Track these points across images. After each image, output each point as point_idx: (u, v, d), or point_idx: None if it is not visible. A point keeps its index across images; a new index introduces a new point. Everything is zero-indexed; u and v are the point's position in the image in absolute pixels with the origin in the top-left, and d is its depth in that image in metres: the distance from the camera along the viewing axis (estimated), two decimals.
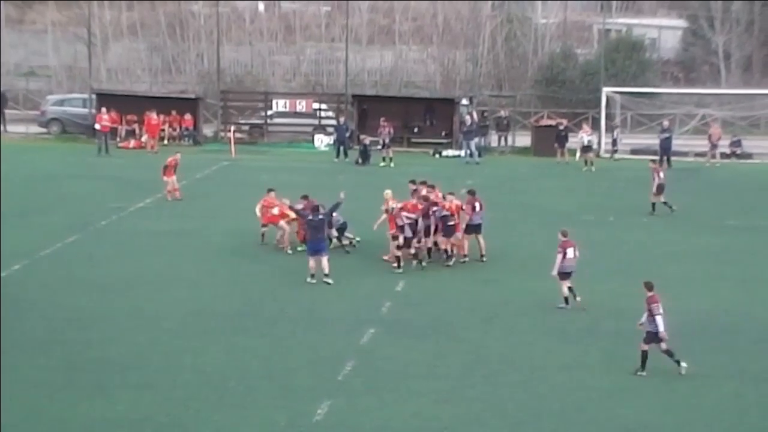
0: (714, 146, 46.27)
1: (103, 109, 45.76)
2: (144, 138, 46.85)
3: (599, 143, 48.00)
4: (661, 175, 34.32)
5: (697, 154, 47.20)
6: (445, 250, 27.16)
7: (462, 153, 46.00)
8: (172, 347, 20.86)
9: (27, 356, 20.14)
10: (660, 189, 34.17)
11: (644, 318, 19.91)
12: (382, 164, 43.58)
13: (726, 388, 19.29)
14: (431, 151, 47.56)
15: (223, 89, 52.27)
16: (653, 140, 46.17)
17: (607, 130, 47.86)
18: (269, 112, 50.29)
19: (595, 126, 49.42)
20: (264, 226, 28.46)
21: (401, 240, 26.38)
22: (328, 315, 23.12)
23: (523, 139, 48.94)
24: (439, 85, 58.85)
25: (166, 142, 47.77)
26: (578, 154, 44.33)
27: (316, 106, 50.16)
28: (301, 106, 49.86)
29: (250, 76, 59.35)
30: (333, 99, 51.26)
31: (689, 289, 25.88)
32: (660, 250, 29.91)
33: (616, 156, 46.76)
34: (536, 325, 22.76)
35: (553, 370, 19.99)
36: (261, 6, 62.92)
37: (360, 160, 43.98)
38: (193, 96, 51.63)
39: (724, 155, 46.83)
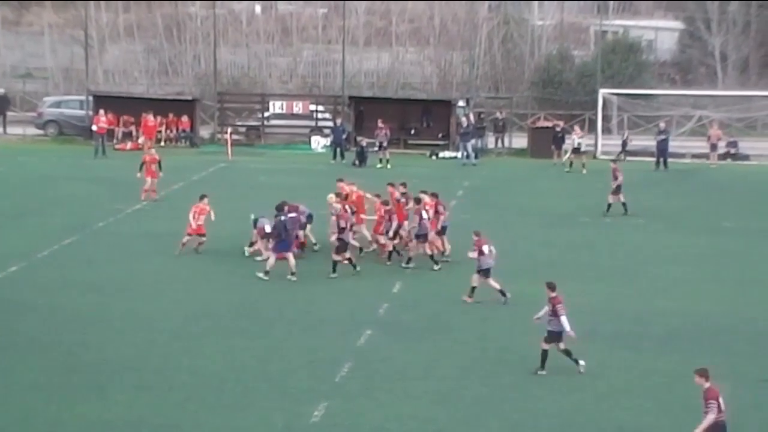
0: (714, 147, 46.32)
1: (101, 111, 45.75)
2: (141, 140, 46.83)
3: (596, 145, 48.06)
4: (619, 176, 34.13)
5: (695, 156, 47.26)
6: (431, 256, 27.24)
7: (459, 154, 46.01)
8: (169, 349, 20.86)
9: (24, 357, 20.14)
10: (618, 189, 34.05)
11: (542, 312, 19.97)
12: (378, 166, 43.59)
13: (723, 389, 19.26)
14: (428, 153, 47.59)
15: (219, 91, 52.27)
16: (650, 142, 46.23)
17: (617, 132, 47.99)
18: (266, 114, 50.30)
19: (592, 128, 49.52)
20: (189, 235, 27.95)
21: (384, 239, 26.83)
22: (325, 316, 23.13)
23: (520, 141, 48.97)
24: (435, 87, 58.87)
25: (162, 143, 47.75)
26: (566, 155, 44.26)
27: (312, 107, 50.16)
28: (298, 107, 49.86)
29: (247, 78, 59.34)
30: (330, 101, 51.27)
31: (686, 290, 25.91)
32: (657, 251, 29.94)
33: (622, 158, 46.68)
34: (533, 326, 22.70)
35: (550, 372, 19.99)
36: (258, 8, 62.91)
37: (357, 162, 43.98)
38: (190, 98, 51.62)
39: (720, 157, 46.89)
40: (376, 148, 44.55)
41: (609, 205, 34.22)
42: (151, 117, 46.79)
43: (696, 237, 31.79)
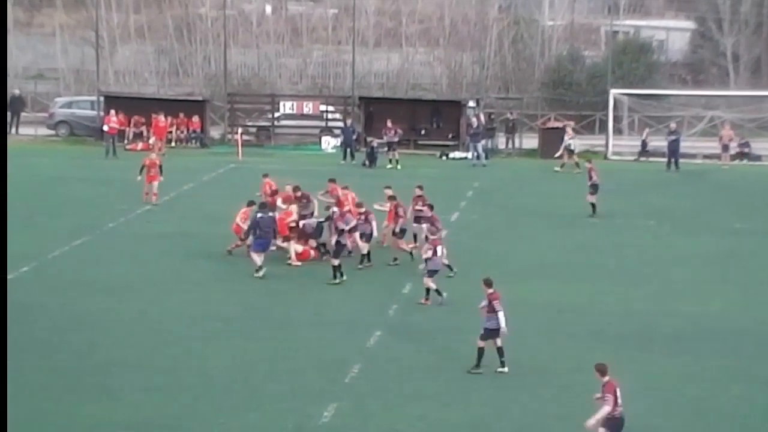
0: (726, 148, 46.20)
1: (112, 111, 45.82)
2: (152, 140, 46.87)
3: (606, 146, 47.98)
4: (593, 175, 33.95)
5: (706, 156, 47.14)
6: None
7: (469, 155, 45.96)
8: (178, 350, 20.89)
9: (34, 358, 20.20)
10: (595, 189, 33.92)
11: (482, 304, 19.84)
12: (389, 166, 43.58)
13: (733, 391, 19.26)
14: (438, 153, 47.55)
15: (230, 92, 52.29)
16: (661, 142, 46.13)
17: (627, 132, 47.93)
18: (276, 115, 50.32)
19: (602, 129, 49.42)
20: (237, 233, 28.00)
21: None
22: (334, 317, 23.13)
23: (530, 142, 48.90)
24: (445, 88, 58.81)
25: (173, 144, 47.83)
26: (561, 154, 44.18)
27: (322, 108, 50.16)
28: (308, 108, 49.88)
29: (257, 79, 59.38)
30: (340, 101, 51.27)
31: (696, 292, 25.86)
32: (667, 252, 29.87)
33: (642, 159, 46.56)
34: (542, 328, 22.74)
35: (559, 373, 19.97)
36: (268, 9, 62.96)
37: (367, 163, 43.98)
38: (200, 98, 51.67)
39: (732, 157, 46.75)
40: (385, 149, 44.54)
41: (592, 206, 33.96)
42: (161, 118, 46.86)
43: (707, 238, 31.71)
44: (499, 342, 19.63)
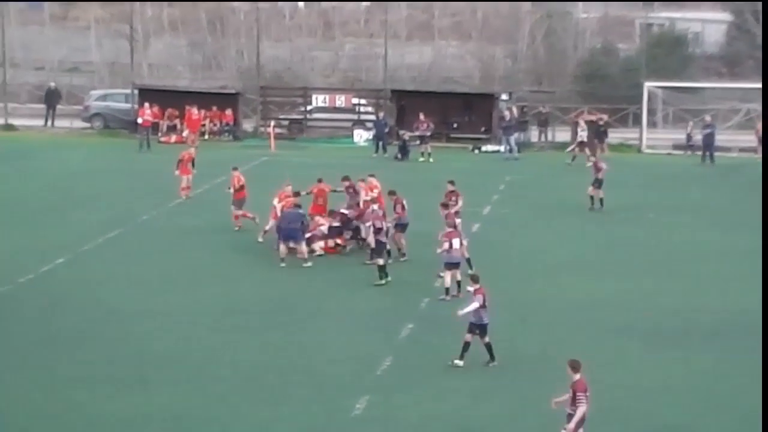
0: (761, 141, 45.79)
1: (146, 104, 46.09)
2: (185, 133, 47.12)
3: (640, 139, 47.70)
4: (603, 168, 33.69)
5: (742, 150, 46.75)
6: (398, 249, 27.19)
7: (501, 148, 45.85)
8: (210, 342, 21.00)
9: (67, 350, 20.37)
10: (598, 183, 33.61)
11: (471, 308, 19.58)
12: (421, 160, 43.55)
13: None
14: (470, 147, 47.45)
15: (262, 85, 52.41)
16: (696, 136, 45.77)
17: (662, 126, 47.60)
18: (308, 108, 50.40)
19: (636, 122, 49.12)
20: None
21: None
22: (365, 310, 23.16)
23: (563, 135, 48.69)
24: (478, 81, 58.62)
25: (206, 137, 48.01)
26: (570, 147, 43.93)
27: (355, 101, 50.19)
28: (340, 101, 49.93)
29: (290, 72, 59.46)
30: (372, 94, 51.27)
31: (729, 287, 25.68)
32: (701, 247, 29.68)
33: (688, 153, 46.17)
34: (573, 322, 22.67)
35: (590, 368, 19.83)
36: (300, 2, 63.03)
37: (399, 156, 43.98)
38: (233, 91, 51.86)
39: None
40: (417, 142, 44.53)
41: (591, 198, 33.65)
42: (195, 110, 47.06)
43: (741, 233, 31.42)
44: (482, 338, 19.52)
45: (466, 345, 19.51)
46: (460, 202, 28.49)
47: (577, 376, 15.68)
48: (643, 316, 23.16)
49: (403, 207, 27.43)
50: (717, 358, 20.58)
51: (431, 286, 24.95)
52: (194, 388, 18.59)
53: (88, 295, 23.92)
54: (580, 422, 15.46)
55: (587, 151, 42.01)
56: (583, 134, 43.97)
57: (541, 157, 45.87)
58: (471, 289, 19.78)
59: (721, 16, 65.02)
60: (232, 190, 30.24)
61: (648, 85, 48.19)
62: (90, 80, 58.28)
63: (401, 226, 27.29)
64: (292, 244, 26.74)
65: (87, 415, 17.45)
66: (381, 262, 24.99)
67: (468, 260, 25.30)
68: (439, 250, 24.13)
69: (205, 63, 60.28)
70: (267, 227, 28.28)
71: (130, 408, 17.68)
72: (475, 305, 19.35)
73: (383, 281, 24.86)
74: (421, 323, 22.25)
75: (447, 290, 23.68)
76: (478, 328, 19.45)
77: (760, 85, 54.30)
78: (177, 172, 34.36)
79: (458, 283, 23.89)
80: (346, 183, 29.42)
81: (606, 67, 55.24)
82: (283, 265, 26.28)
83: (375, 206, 26.58)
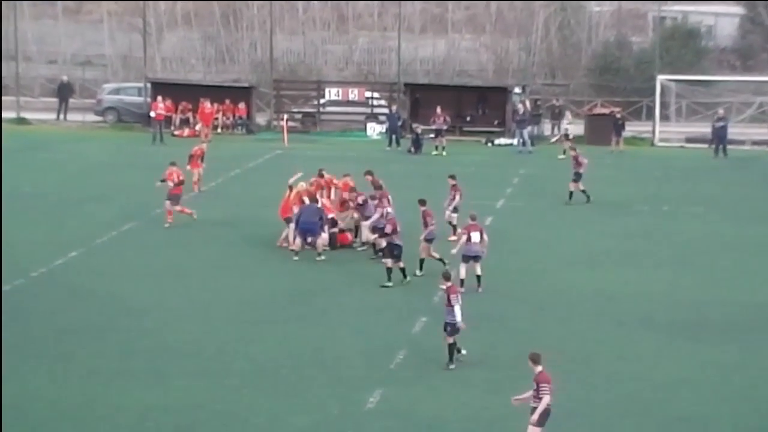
0: None
1: (159, 98, 46.15)
2: (198, 127, 47.17)
3: (653, 132, 47.57)
4: (583, 162, 33.45)
5: (755, 143, 46.60)
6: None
7: (514, 142, 45.78)
8: (226, 335, 21.03)
9: (83, 343, 20.41)
10: (578, 177, 33.41)
11: (459, 310, 19.20)
12: (434, 153, 43.52)
13: None
14: (484, 140, 47.40)
15: (276, 78, 52.45)
16: (709, 129, 45.67)
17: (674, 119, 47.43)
18: (322, 101, 50.40)
19: (649, 115, 48.99)
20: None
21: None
22: (379, 304, 23.15)
23: (577, 128, 48.56)
24: (491, 74, 58.55)
25: (219, 130, 48.07)
26: (556, 139, 43.74)
27: (368, 94, 50.18)
28: (354, 94, 49.92)
29: (303, 65, 59.49)
30: (385, 88, 51.25)
31: (745, 280, 25.60)
32: (715, 240, 29.60)
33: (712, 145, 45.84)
34: (588, 315, 22.64)
35: (606, 361, 19.88)
36: None
37: (412, 149, 43.97)
38: (246, 85, 51.89)
39: None
40: (432, 135, 44.49)
41: (571, 193, 33.50)
42: (208, 104, 47.09)
43: (756, 226, 31.35)
44: (450, 339, 19.15)
45: (451, 347, 19.19)
46: (458, 198, 28.52)
47: (539, 368, 15.58)
48: (659, 308, 23.10)
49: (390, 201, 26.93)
50: (733, 350, 20.52)
51: None
52: (209, 381, 18.61)
53: (102, 288, 23.97)
54: (545, 413, 15.32)
55: (569, 143, 41.93)
56: (568, 126, 43.92)
57: (554, 151, 45.74)
58: (443, 287, 19.36)
59: (734, 9, 64.81)
60: (171, 185, 29.68)
61: (661, 78, 48.07)
62: (103, 74, 58.39)
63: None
64: (309, 239, 26.72)
65: (102, 408, 17.48)
66: (401, 264, 24.32)
67: (441, 259, 24.90)
68: (455, 248, 23.88)
69: (219, 56, 60.30)
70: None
71: (146, 401, 17.71)
72: (458, 308, 19.02)
73: (391, 283, 24.16)
74: (434, 316, 22.18)
75: (462, 282, 23.62)
76: (449, 326, 19.15)
77: None
78: (189, 167, 34.37)
79: (478, 277, 23.84)
80: (370, 178, 29.02)
81: (619, 60, 55.12)
82: (296, 258, 26.32)
83: (390, 209, 25.91)
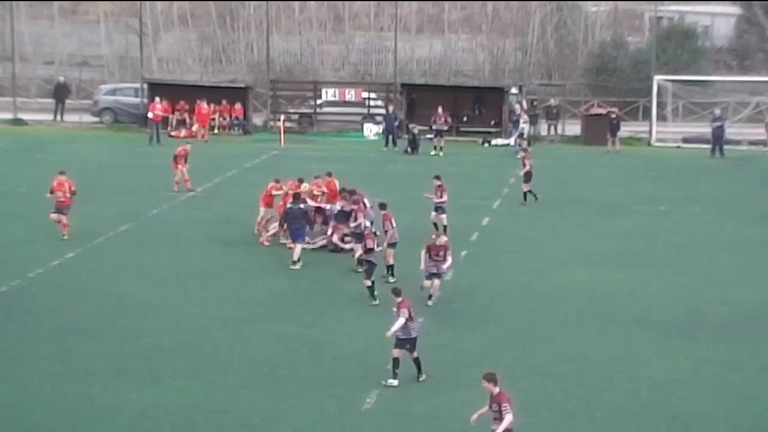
0: None
1: (156, 99, 46.14)
2: (194, 127, 47.17)
3: (650, 132, 47.61)
4: (527, 163, 33.28)
5: (751, 143, 46.65)
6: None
7: (511, 142, 45.80)
8: (223, 335, 21.02)
9: (80, 343, 20.40)
10: (528, 177, 33.29)
11: (398, 325, 18.45)
12: (432, 153, 43.53)
13: None
14: (480, 140, 47.42)
15: (272, 79, 52.43)
16: (705, 129, 45.73)
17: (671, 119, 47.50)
18: (318, 102, 50.41)
19: (646, 115, 49.01)
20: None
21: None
22: (377, 304, 23.12)
23: (573, 128, 48.65)
24: (488, 74, 58.59)
25: (216, 131, 48.07)
26: (512, 138, 43.78)
27: (365, 95, 50.19)
28: (350, 95, 49.92)
29: (300, 66, 59.49)
30: (382, 88, 51.25)
31: (741, 279, 25.63)
32: (712, 240, 29.63)
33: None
34: (585, 315, 22.65)
35: (603, 361, 19.89)
36: None
37: (409, 149, 43.97)
38: (242, 85, 51.86)
39: None
40: (431, 136, 44.50)
41: (525, 194, 33.36)
42: (204, 104, 47.10)
43: (752, 225, 31.39)
44: (411, 353, 18.49)
45: (396, 362, 18.42)
46: (445, 197, 28.54)
47: (497, 389, 15.06)
48: (656, 308, 23.12)
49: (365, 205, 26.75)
50: (729, 349, 20.54)
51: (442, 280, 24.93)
52: (206, 381, 18.61)
53: (99, 289, 23.95)
54: (507, 430, 14.83)
55: (523, 144, 41.94)
56: (525, 126, 43.93)
57: (551, 151, 45.79)
58: (395, 308, 18.54)
59: (731, 9, 64.90)
60: (62, 197, 28.01)
61: (658, 78, 48.14)
62: (99, 74, 58.35)
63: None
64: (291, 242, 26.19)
65: (100, 408, 17.47)
66: (369, 283, 23.24)
67: (390, 267, 24.65)
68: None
69: (215, 57, 60.29)
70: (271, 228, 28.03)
71: (143, 401, 17.70)
72: (401, 321, 18.31)
73: (376, 301, 23.02)
74: (432, 317, 22.22)
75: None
76: (408, 342, 18.47)
77: None
78: (176, 167, 34.34)
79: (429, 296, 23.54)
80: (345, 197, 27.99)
81: (616, 60, 55.16)
82: (297, 267, 25.73)
83: (368, 223, 25.39)
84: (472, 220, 31.20)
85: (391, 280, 24.18)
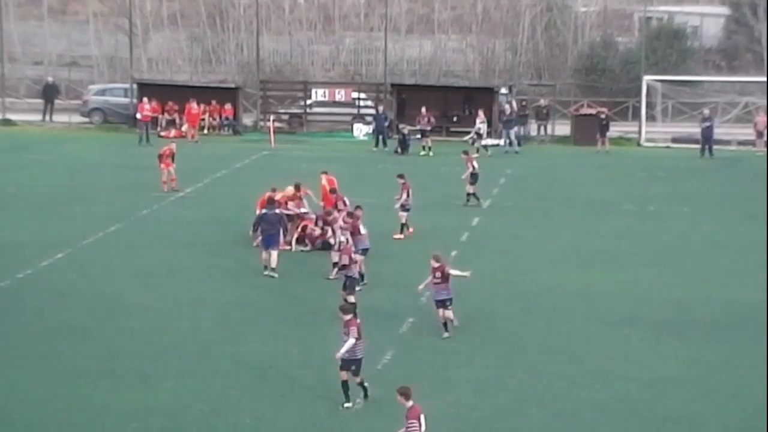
0: (760, 134, 45.80)
1: (145, 99, 46.07)
2: (184, 127, 47.10)
3: (639, 132, 47.70)
4: (474, 164, 33.19)
5: (740, 143, 46.77)
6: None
7: (501, 142, 45.84)
8: (212, 336, 20.98)
9: (69, 343, 20.34)
10: (474, 178, 33.13)
11: (347, 346, 17.45)
12: (422, 153, 43.53)
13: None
14: (470, 141, 47.36)
15: (262, 79, 52.40)
16: (695, 129, 45.82)
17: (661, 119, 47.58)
18: (308, 102, 50.37)
19: (636, 115, 49.10)
20: None
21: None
22: (366, 305, 23.05)
23: (563, 128, 48.71)
24: (478, 75, 58.65)
25: (206, 131, 48.02)
26: (468, 137, 43.84)
27: (355, 95, 50.18)
28: (340, 95, 49.90)
29: (290, 66, 59.45)
30: (372, 88, 51.24)
31: (731, 279, 25.67)
32: (702, 239, 29.69)
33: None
34: (576, 315, 22.66)
35: (593, 360, 19.90)
36: None
37: (399, 150, 43.97)
38: (232, 86, 51.82)
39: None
40: (418, 136, 44.51)
41: (468, 196, 33.07)
42: (194, 105, 47.02)
43: (741, 225, 31.45)
44: (356, 376, 17.46)
45: (345, 384, 17.42)
46: (404, 196, 28.57)
47: (410, 403, 14.80)
48: (646, 307, 23.14)
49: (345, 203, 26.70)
50: (719, 348, 20.57)
51: None
52: (196, 381, 18.56)
53: (88, 289, 23.89)
54: None
55: (482, 143, 42.00)
56: (482, 126, 43.98)
57: (541, 151, 45.86)
58: (345, 328, 17.51)
59: (720, 9, 65.07)
60: None
61: (647, 78, 48.23)
62: (89, 74, 58.25)
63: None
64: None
65: (89, 408, 17.42)
66: (352, 299, 21.79)
67: (361, 275, 24.03)
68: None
69: (205, 57, 60.22)
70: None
71: (133, 401, 17.65)
72: (351, 342, 17.30)
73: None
74: (422, 317, 22.21)
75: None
76: (354, 363, 17.39)
77: (757, 79, 54.44)
78: (162, 167, 34.30)
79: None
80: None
81: (605, 60, 55.26)
82: (266, 273, 25.09)
83: (347, 237, 24.57)
84: (462, 220, 31.22)
85: (358, 287, 23.21)
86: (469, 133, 47.61)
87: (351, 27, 61.71)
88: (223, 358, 19.74)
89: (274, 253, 25.06)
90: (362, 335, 17.62)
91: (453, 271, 20.88)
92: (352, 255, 22.79)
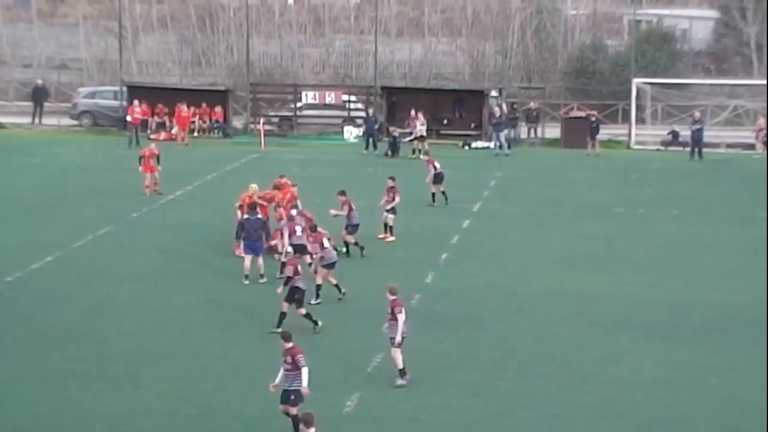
0: (757, 137, 45.77)
1: (135, 102, 45.99)
2: (174, 130, 47.04)
3: (629, 135, 47.79)
4: (437, 165, 33.05)
5: (729, 146, 46.87)
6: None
7: (491, 145, 45.90)
8: (203, 339, 20.95)
9: (60, 347, 20.29)
10: (438, 178, 33.04)
11: (306, 378, 16.37)
12: (412, 156, 43.54)
13: (759, 380, 19.13)
14: (460, 143, 47.46)
15: (252, 82, 52.36)
16: (684, 132, 45.92)
17: (650, 122, 47.69)
18: (298, 105, 50.36)
19: (625, 118, 49.18)
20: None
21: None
22: (357, 307, 23.11)
23: (553, 131, 48.78)
24: (468, 77, 58.71)
25: (196, 134, 47.97)
26: (413, 139, 43.90)
27: (345, 98, 50.18)
28: (331, 98, 49.90)
29: (280, 69, 59.43)
30: (362, 91, 51.24)
31: (721, 281, 25.72)
32: (692, 242, 29.75)
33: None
34: (566, 317, 22.68)
35: (584, 363, 19.92)
36: None
37: (389, 152, 43.97)
38: (222, 88, 51.76)
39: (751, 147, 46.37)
40: (409, 139, 44.51)
41: (433, 195, 33.15)
42: (184, 108, 46.97)
43: (731, 228, 31.53)
44: (293, 410, 16.25)
45: (294, 419, 16.18)
46: (397, 199, 28.58)
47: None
48: (636, 310, 23.17)
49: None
50: (710, 351, 20.61)
51: (422, 283, 24.96)
52: (186, 384, 18.54)
53: (79, 292, 23.84)
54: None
55: (424, 146, 42.01)
56: (422, 128, 44.05)
57: (531, 153, 45.92)
58: (288, 355, 16.49)
59: (709, 13, 65.27)
60: None
61: (636, 81, 48.33)
62: (78, 77, 58.15)
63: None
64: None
65: (79, 411, 17.38)
66: (303, 311, 21.33)
67: (337, 285, 23.50)
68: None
69: (195, 60, 60.17)
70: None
71: (123, 404, 17.61)
72: (306, 372, 16.26)
73: (319, 324, 21.43)
74: (412, 320, 22.13)
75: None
76: (293, 394, 16.36)
77: (746, 81, 54.60)
78: (141, 169, 34.14)
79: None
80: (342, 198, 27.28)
81: (595, 63, 55.36)
82: (246, 282, 24.70)
83: (290, 249, 24.13)
84: (452, 222, 31.23)
85: (313, 302, 22.75)
86: (462, 135, 47.73)
87: (341, 30, 61.72)
88: (214, 361, 19.72)
89: (260, 259, 24.90)
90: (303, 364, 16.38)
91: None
92: (298, 267, 21.62)
